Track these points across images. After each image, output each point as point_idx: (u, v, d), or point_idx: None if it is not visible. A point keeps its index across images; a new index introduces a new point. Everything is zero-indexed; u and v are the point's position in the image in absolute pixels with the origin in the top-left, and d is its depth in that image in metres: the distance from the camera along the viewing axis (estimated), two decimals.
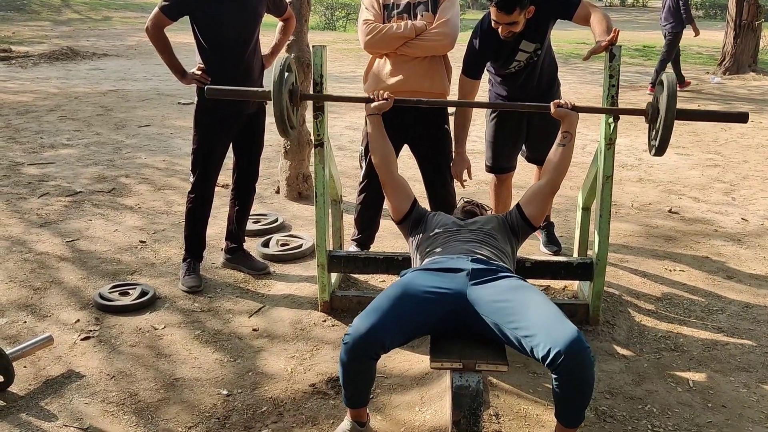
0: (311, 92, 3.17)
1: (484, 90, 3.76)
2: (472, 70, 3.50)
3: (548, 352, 2.07)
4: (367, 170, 3.67)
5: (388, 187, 2.91)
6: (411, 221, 2.87)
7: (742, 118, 2.88)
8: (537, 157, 3.94)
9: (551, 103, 2.93)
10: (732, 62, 11.89)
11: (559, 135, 2.88)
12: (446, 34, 3.40)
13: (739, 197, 5.31)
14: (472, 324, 2.35)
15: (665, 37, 9.87)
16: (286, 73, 2.82)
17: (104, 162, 6.05)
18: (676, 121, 2.72)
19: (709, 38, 17.67)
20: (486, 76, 3.68)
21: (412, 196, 2.91)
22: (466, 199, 3.20)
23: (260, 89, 3.05)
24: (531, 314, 2.21)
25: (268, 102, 3.09)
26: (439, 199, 3.65)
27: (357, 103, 3.23)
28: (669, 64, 9.68)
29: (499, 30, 3.29)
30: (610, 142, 3.06)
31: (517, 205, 2.87)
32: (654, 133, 2.85)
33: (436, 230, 2.78)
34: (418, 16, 3.44)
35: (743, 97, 9.91)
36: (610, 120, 3.04)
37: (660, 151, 2.80)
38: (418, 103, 3.12)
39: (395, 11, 3.46)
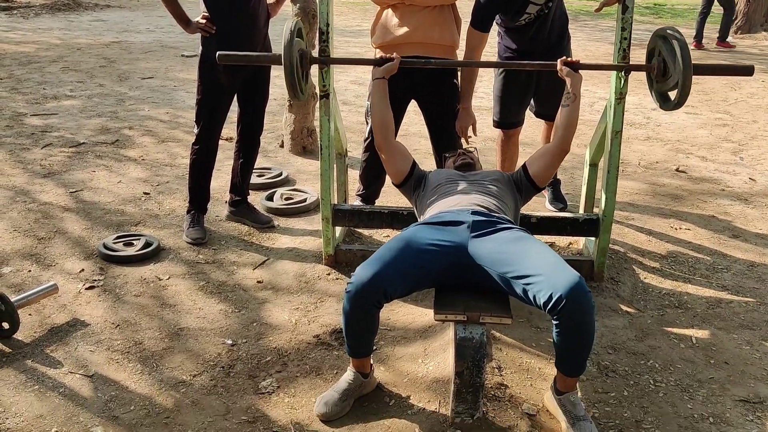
0: (316, 42, 3.12)
1: (492, 44, 3.70)
2: (481, 23, 3.41)
3: (550, 297, 2.07)
4: (372, 126, 3.63)
5: (385, 152, 2.86)
6: (412, 182, 2.82)
7: (747, 71, 2.90)
8: (545, 112, 3.91)
9: (558, 60, 2.87)
10: (744, 21, 11.68)
11: (564, 95, 2.84)
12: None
13: (747, 157, 5.26)
14: (475, 276, 2.34)
15: None
16: (296, 39, 2.79)
17: (107, 114, 6.00)
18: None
19: None
20: (495, 28, 3.61)
21: (410, 158, 2.86)
22: (449, 155, 3.10)
23: (271, 54, 3.01)
24: (532, 262, 2.20)
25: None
26: (446, 150, 3.60)
27: (366, 65, 3.15)
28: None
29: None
30: (621, 96, 3.02)
31: (524, 165, 2.84)
32: (665, 87, 2.81)
33: (437, 185, 2.75)
34: None
35: (754, 56, 9.75)
36: (621, 74, 2.99)
37: (679, 104, 2.77)
38: (426, 64, 3.09)
39: None
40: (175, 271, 3.35)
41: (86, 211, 3.98)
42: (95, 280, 3.23)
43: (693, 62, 2.67)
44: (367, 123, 3.69)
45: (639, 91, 6.87)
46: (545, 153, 2.83)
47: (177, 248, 3.57)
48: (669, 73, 2.76)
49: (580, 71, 2.85)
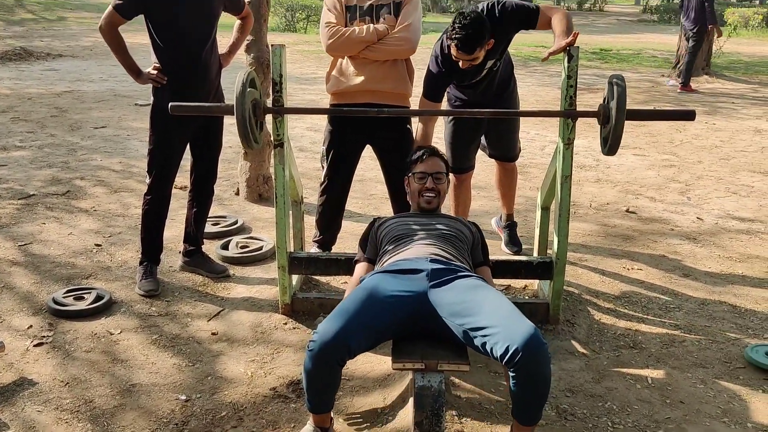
0: (270, 92, 3.14)
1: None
2: (434, 94, 3.46)
3: (506, 349, 2.08)
4: (328, 171, 3.65)
5: None
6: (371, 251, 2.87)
7: (688, 116, 2.97)
8: (498, 154, 4.00)
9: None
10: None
11: None
12: (408, 39, 3.39)
13: (694, 197, 5.42)
14: (433, 325, 2.35)
15: (688, 38, 10.65)
16: (249, 89, 2.81)
17: (58, 164, 5.91)
18: (632, 122, 2.77)
19: (664, 42, 18.06)
20: None
21: (368, 267, 2.84)
22: (419, 174, 3.08)
23: (223, 104, 3.03)
24: (488, 313, 2.21)
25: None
26: (401, 195, 3.64)
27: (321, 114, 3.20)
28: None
29: (460, 63, 3.26)
30: (569, 141, 3.09)
31: (477, 228, 2.95)
32: (606, 132, 2.92)
33: (394, 235, 2.77)
34: (381, 19, 3.43)
35: (697, 99, 10.11)
36: (569, 121, 3.06)
37: (612, 150, 2.88)
38: (380, 112, 3.16)
39: (358, 13, 3.44)
40: (127, 324, 3.27)
41: (35, 265, 3.88)
42: (44, 337, 3.14)
43: (630, 108, 2.79)
44: (323, 168, 3.71)
45: (588, 135, 7.05)
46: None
47: (129, 301, 3.49)
48: (610, 119, 2.85)
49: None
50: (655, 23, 28.45)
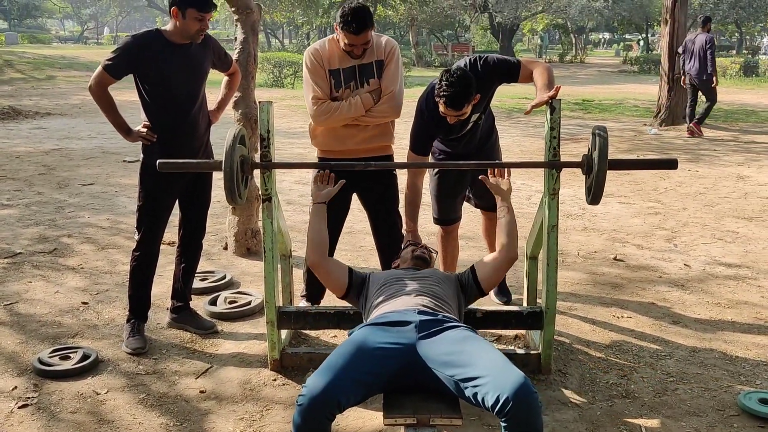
0: (258, 146, 3.17)
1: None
2: (420, 148, 3.51)
3: (497, 399, 2.07)
4: (308, 247, 3.71)
5: (321, 270, 2.97)
6: (355, 290, 2.91)
7: (671, 164, 3.01)
8: (484, 204, 4.03)
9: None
10: (667, 114, 12.36)
11: (498, 209, 2.98)
12: (393, 108, 3.53)
13: (681, 244, 5.45)
14: (424, 378, 2.34)
15: (695, 85, 11.13)
16: (238, 145, 2.86)
17: (45, 222, 5.89)
18: (616, 171, 2.82)
19: (645, 92, 18.43)
20: None
21: (345, 268, 2.98)
22: (412, 243, 3.21)
23: (212, 161, 3.06)
24: (478, 364, 2.21)
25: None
26: (386, 242, 3.72)
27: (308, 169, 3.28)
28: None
29: (448, 119, 3.31)
30: (554, 192, 3.12)
31: (472, 267, 2.93)
32: (589, 182, 2.95)
33: (382, 285, 2.79)
34: (366, 85, 3.52)
35: (679, 147, 10.28)
36: (553, 171, 3.10)
37: (595, 199, 2.92)
38: (366, 166, 3.23)
39: (342, 79, 3.50)
40: (114, 384, 3.22)
41: (21, 325, 3.83)
42: (29, 398, 3.08)
43: (612, 158, 2.83)
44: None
45: (574, 183, 7.12)
46: (494, 261, 2.94)
47: (116, 359, 3.45)
48: (593, 169, 2.89)
49: (505, 182, 3.07)
50: (635, 74, 29.09)
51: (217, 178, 3.74)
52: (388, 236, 3.72)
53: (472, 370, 2.20)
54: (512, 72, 3.42)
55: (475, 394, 2.17)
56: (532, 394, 2.09)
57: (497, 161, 3.83)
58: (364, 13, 3.33)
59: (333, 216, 3.67)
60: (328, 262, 2.98)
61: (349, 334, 2.57)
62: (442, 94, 3.19)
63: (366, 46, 3.43)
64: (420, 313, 2.48)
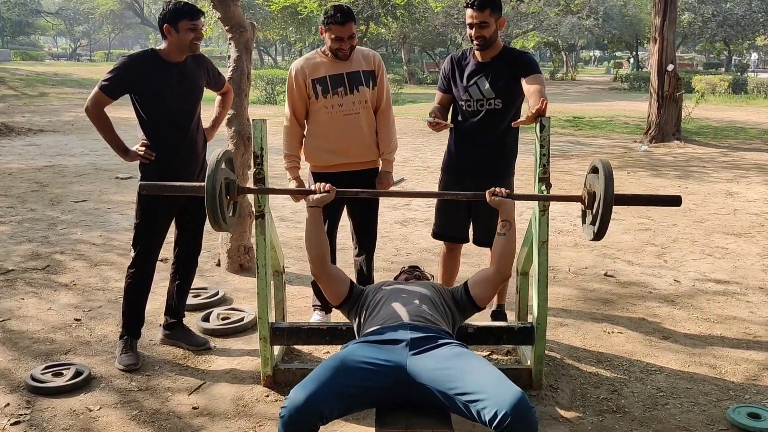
0: (252, 164, 3.20)
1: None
2: (441, 84, 3.84)
3: (495, 414, 2.09)
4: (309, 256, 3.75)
5: (323, 279, 2.96)
6: (350, 301, 2.92)
7: (675, 201, 2.94)
8: (483, 240, 3.82)
9: (486, 192, 2.98)
10: (657, 131, 12.47)
11: (499, 224, 2.94)
12: (392, 150, 3.84)
13: (671, 259, 5.50)
14: (417, 394, 2.35)
15: None
16: (223, 168, 2.81)
17: (38, 239, 5.89)
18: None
19: (635, 109, 18.58)
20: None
21: (347, 279, 2.97)
22: (406, 269, 3.25)
23: (195, 184, 3.01)
24: (474, 379, 2.23)
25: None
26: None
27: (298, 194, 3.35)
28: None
29: (473, 33, 3.52)
30: (544, 208, 3.16)
31: (465, 284, 2.93)
32: (592, 218, 2.85)
33: (377, 300, 2.80)
34: (354, 92, 3.63)
35: (669, 163, 10.38)
36: (543, 188, 3.14)
37: (599, 235, 2.80)
38: (358, 194, 3.36)
39: (329, 84, 3.62)
40: (107, 400, 3.22)
41: (13, 341, 3.82)
42: (21, 415, 3.08)
43: (622, 193, 2.79)
44: None
45: None
46: (486, 278, 2.92)
47: (109, 376, 3.45)
48: (596, 204, 2.79)
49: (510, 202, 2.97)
50: (626, 91, 29.33)
51: None
52: (366, 242, 3.94)
53: (467, 384, 2.22)
54: (528, 68, 3.53)
55: (470, 408, 2.19)
56: (529, 410, 2.12)
57: (497, 189, 3.64)
58: (347, 8, 3.57)
59: (330, 222, 3.76)
60: (330, 272, 2.95)
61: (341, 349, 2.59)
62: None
63: (352, 42, 3.61)
64: (412, 329, 2.50)
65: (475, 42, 3.57)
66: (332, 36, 3.56)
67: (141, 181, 3.52)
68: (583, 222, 3.00)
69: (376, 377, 2.33)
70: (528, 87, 3.46)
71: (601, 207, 2.70)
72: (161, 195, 3.35)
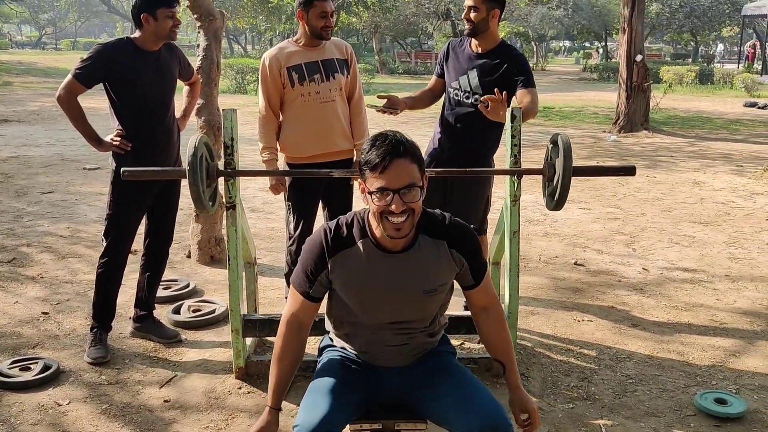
0: (222, 154, 3.17)
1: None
2: (437, 69, 3.92)
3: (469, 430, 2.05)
4: (296, 219, 3.77)
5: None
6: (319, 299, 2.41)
7: (629, 171, 3.11)
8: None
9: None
10: (626, 121, 12.62)
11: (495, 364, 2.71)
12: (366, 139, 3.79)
13: (639, 248, 5.58)
14: (392, 401, 2.32)
15: None
16: (202, 152, 2.85)
17: (3, 231, 5.78)
18: (576, 178, 2.87)
19: (604, 99, 18.75)
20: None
21: (315, 307, 2.41)
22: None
23: (177, 168, 3.03)
24: (452, 389, 2.18)
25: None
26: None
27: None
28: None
29: (464, 14, 3.59)
30: (515, 198, 3.18)
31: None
32: (552, 189, 2.99)
33: (354, 291, 2.49)
34: (330, 79, 3.63)
35: (637, 153, 10.50)
36: (514, 178, 3.16)
37: (558, 205, 2.95)
38: (329, 174, 3.30)
39: (305, 71, 3.60)
40: (76, 394, 3.18)
41: None
42: None
43: (575, 165, 2.87)
44: (289, 222, 3.77)
45: (535, 190, 7.21)
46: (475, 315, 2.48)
47: (78, 370, 3.40)
48: (556, 176, 2.94)
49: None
50: (595, 81, 29.57)
51: (183, 185, 3.72)
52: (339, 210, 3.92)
53: (443, 392, 2.18)
54: (522, 75, 3.64)
55: (446, 418, 2.15)
56: (508, 427, 2.04)
57: (467, 169, 3.63)
58: None
59: (307, 211, 3.79)
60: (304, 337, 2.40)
61: (320, 350, 2.51)
62: None
63: (332, 19, 3.63)
64: (389, 346, 2.34)
65: (466, 25, 3.63)
66: (318, 12, 3.52)
67: (115, 171, 3.48)
68: (544, 194, 3.13)
69: (365, 388, 2.25)
70: (520, 99, 3.59)
71: (560, 177, 2.85)
72: (136, 185, 3.31)
